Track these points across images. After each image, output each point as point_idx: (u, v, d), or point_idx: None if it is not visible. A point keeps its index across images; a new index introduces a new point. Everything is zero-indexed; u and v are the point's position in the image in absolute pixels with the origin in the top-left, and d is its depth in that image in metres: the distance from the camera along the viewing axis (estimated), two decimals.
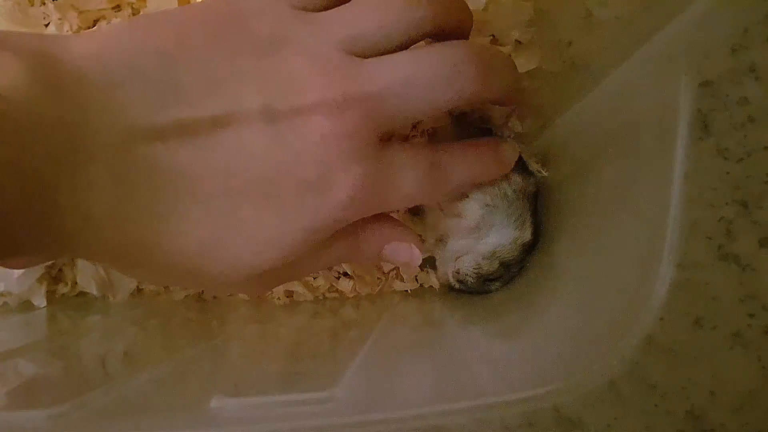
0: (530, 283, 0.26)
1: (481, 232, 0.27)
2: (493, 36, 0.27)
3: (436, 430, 0.15)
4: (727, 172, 0.15)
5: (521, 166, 0.28)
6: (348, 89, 0.19)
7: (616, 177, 0.21)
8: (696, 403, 0.15)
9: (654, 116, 0.17)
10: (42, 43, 0.17)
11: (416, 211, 0.30)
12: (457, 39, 0.22)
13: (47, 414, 0.16)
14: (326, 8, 0.21)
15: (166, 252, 0.18)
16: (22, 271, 0.29)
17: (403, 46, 0.21)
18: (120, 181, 0.17)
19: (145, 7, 0.28)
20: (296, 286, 0.31)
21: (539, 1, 0.26)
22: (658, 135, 0.17)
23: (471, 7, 0.25)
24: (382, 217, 0.24)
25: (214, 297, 0.32)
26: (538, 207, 0.28)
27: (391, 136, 0.26)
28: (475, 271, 0.27)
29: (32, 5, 0.29)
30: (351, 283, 0.31)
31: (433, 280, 0.31)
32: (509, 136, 0.27)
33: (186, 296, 0.32)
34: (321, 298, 0.31)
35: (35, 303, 0.31)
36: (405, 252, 0.24)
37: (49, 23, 0.28)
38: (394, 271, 0.31)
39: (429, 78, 0.20)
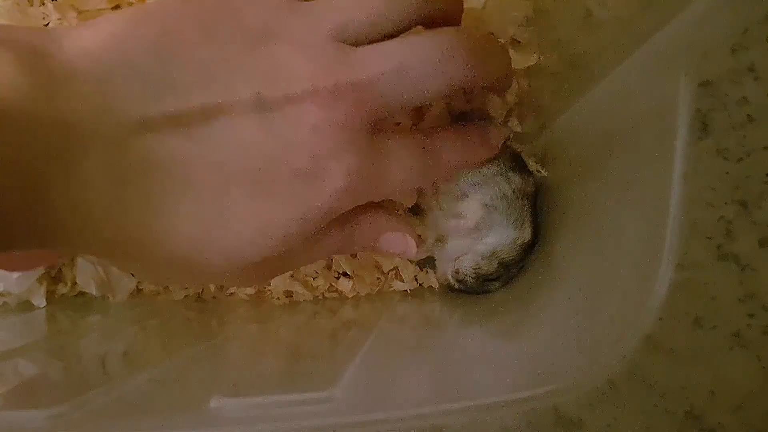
0: (530, 283, 0.26)
1: (480, 232, 0.27)
2: (492, 34, 0.27)
3: (436, 430, 0.15)
4: (727, 172, 0.15)
5: (521, 166, 0.28)
6: (339, 78, 0.19)
7: (615, 177, 0.21)
8: (695, 403, 0.15)
9: (653, 116, 0.17)
10: (33, 37, 0.17)
11: (416, 211, 0.30)
12: (448, 26, 0.22)
13: (47, 414, 0.16)
14: None
15: (161, 243, 0.18)
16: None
17: (394, 34, 0.21)
18: (113, 174, 0.17)
19: None
20: (296, 286, 0.31)
21: (539, 1, 0.26)
22: (658, 135, 0.17)
23: (470, 5, 0.25)
24: (376, 208, 0.24)
25: (214, 297, 0.32)
26: (538, 207, 0.28)
27: (383, 124, 0.26)
28: (475, 271, 0.27)
29: (31, 5, 0.29)
30: (350, 282, 0.31)
31: (432, 280, 0.31)
32: (499, 122, 0.27)
33: (186, 296, 0.32)
34: (320, 298, 0.31)
35: (35, 303, 0.31)
36: (400, 243, 0.24)
37: (48, 23, 0.28)
38: (394, 271, 0.31)
39: (420, 64, 0.20)
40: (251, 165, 0.19)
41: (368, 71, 0.20)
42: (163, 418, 0.17)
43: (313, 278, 0.31)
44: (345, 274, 0.31)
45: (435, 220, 0.28)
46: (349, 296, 0.31)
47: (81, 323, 0.29)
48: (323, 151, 0.19)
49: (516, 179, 0.27)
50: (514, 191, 0.27)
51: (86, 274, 0.31)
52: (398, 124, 0.28)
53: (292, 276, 0.31)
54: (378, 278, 0.31)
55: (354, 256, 0.31)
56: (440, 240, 0.28)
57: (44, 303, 0.30)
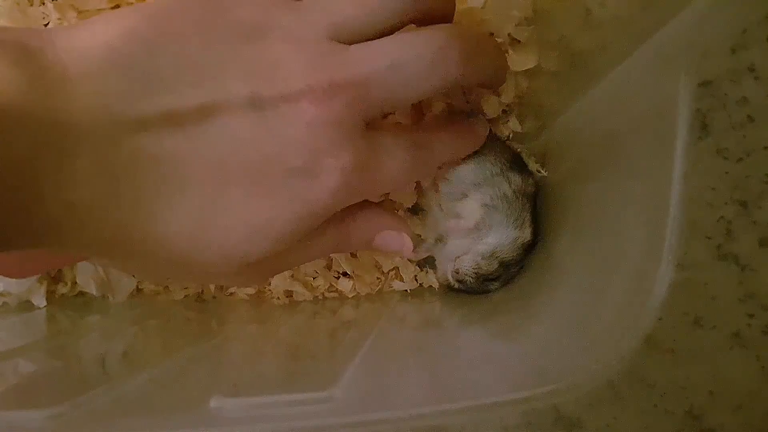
0: (530, 282, 0.26)
1: (480, 232, 0.27)
2: (492, 34, 0.27)
3: (436, 429, 0.15)
4: (727, 172, 0.15)
5: (521, 166, 0.28)
6: (334, 76, 0.19)
7: (615, 177, 0.21)
8: (695, 403, 0.15)
9: (653, 116, 0.17)
10: (26, 37, 0.17)
11: (416, 211, 0.30)
12: (441, 24, 0.22)
13: (47, 414, 0.16)
14: None
15: (156, 242, 0.18)
16: None
17: (387, 32, 0.21)
18: (106, 172, 0.17)
19: None
20: (296, 286, 0.31)
21: (539, 0, 0.26)
22: (658, 135, 0.17)
23: (469, 4, 0.25)
24: (372, 207, 0.24)
25: (214, 297, 0.32)
26: (538, 207, 0.28)
27: (377, 121, 0.26)
28: (475, 270, 0.27)
29: (31, 5, 0.29)
30: (350, 282, 0.31)
31: (432, 279, 0.31)
32: (484, 116, 0.28)
33: (185, 296, 0.32)
34: (320, 298, 0.31)
35: (35, 303, 0.31)
36: (396, 241, 0.24)
37: (48, 23, 0.28)
38: (394, 271, 0.31)
39: (414, 62, 0.20)
40: (246, 163, 0.19)
41: (363, 69, 0.20)
42: (162, 418, 0.17)
43: (313, 278, 0.31)
44: (345, 274, 0.31)
45: (435, 220, 0.28)
46: (349, 296, 0.31)
47: (81, 323, 0.29)
48: (319, 149, 0.19)
49: (516, 179, 0.27)
50: (514, 191, 0.27)
51: (86, 274, 0.31)
52: (398, 124, 0.28)
53: (292, 276, 0.31)
54: (378, 278, 0.31)
55: (354, 255, 0.31)
56: (440, 240, 0.28)
57: (44, 303, 0.30)
